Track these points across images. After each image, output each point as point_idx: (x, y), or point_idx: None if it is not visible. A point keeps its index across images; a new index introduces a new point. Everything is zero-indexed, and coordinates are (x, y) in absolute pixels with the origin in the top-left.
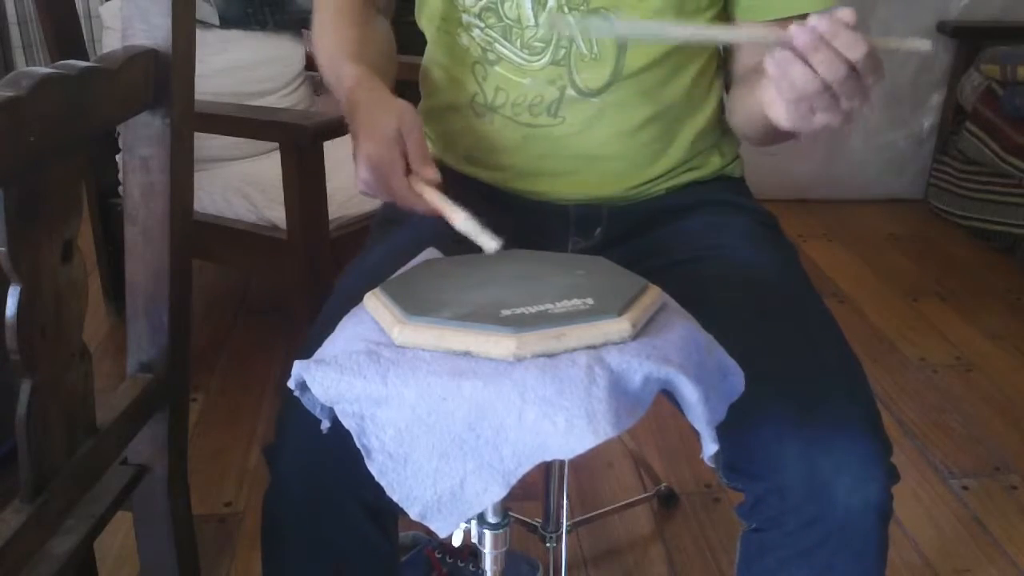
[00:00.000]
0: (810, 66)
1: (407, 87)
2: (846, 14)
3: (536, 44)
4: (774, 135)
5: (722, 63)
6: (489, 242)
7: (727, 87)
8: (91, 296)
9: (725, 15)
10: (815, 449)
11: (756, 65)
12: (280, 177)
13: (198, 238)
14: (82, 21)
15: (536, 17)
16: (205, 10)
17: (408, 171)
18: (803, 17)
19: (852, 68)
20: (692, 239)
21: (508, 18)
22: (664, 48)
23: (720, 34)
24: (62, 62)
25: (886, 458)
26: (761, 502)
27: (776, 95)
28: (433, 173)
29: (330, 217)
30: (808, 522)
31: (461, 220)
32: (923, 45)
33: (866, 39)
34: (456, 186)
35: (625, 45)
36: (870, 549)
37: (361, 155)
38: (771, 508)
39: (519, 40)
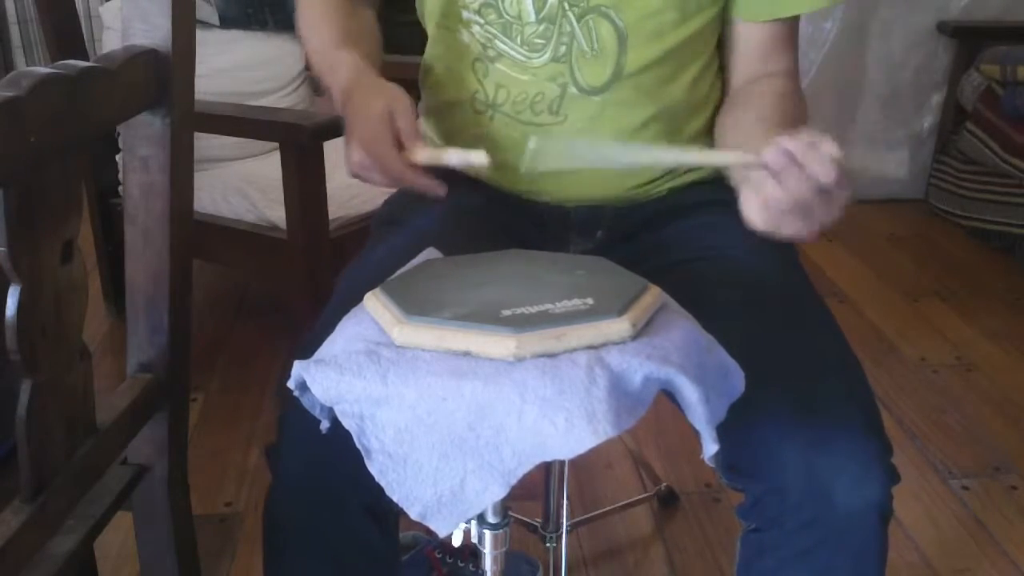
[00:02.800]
0: (782, 185)
1: (407, 86)
2: (816, 139)
3: (537, 41)
4: None
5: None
6: (480, 157)
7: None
8: (91, 296)
9: (724, 14)
10: (815, 449)
11: (748, 80)
12: (280, 177)
13: (198, 238)
14: (82, 21)
15: (537, 13)
16: (205, 10)
17: (401, 149)
18: (792, 22)
19: (822, 188)
20: (693, 239)
21: (508, 14)
22: (665, 47)
23: (697, 158)
24: (62, 62)
25: (886, 459)
26: (761, 502)
27: (752, 200)
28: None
29: (330, 217)
30: (808, 522)
31: (453, 156)
32: (897, 171)
33: (835, 162)
34: (456, 186)
35: (626, 42)
36: (870, 550)
37: (353, 137)
38: (771, 508)
39: (519, 37)
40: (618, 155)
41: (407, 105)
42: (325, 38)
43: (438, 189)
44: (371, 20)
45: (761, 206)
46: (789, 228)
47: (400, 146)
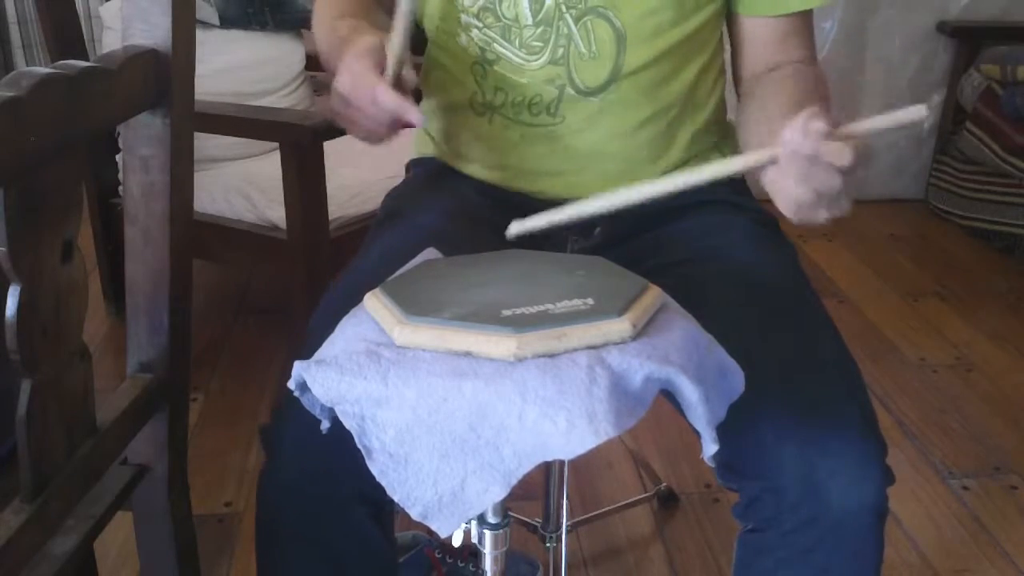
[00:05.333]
0: (804, 181)
1: None
2: (821, 126)
3: (534, 43)
4: None
5: (724, 64)
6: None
7: (736, 90)
8: (91, 296)
9: (726, 10)
10: (811, 449)
11: (763, 71)
12: (280, 177)
13: (198, 238)
14: (82, 21)
15: (534, 16)
16: (205, 10)
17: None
18: (805, 14)
19: (843, 173)
20: (692, 239)
21: (506, 17)
22: (664, 46)
23: (711, 171)
24: (62, 62)
25: (882, 459)
26: (757, 502)
27: (779, 198)
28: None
29: (330, 217)
30: (804, 522)
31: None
32: (918, 113)
33: (852, 141)
34: (456, 185)
35: (624, 43)
36: (866, 549)
37: (340, 69)
38: (767, 508)
39: (517, 39)
40: (633, 195)
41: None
42: (329, 28)
43: (416, 114)
44: (383, 18)
45: (790, 204)
46: (823, 215)
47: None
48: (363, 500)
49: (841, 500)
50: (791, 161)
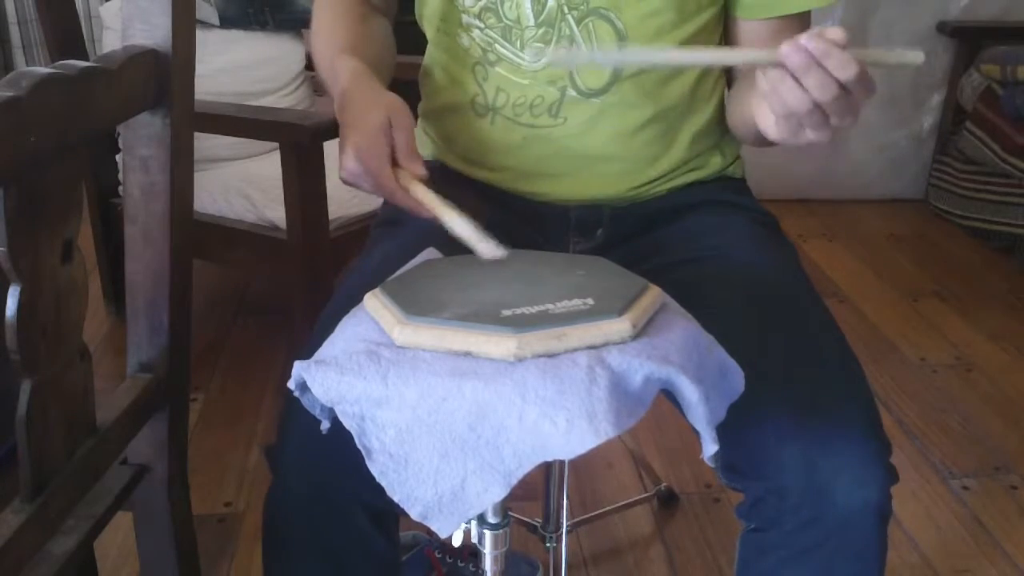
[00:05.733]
0: (801, 85)
1: (407, 86)
2: (837, 34)
3: (536, 44)
4: (765, 140)
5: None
6: (489, 249)
7: (728, 85)
8: (91, 296)
9: (725, 13)
10: (814, 449)
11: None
12: (280, 177)
13: (198, 238)
14: (82, 21)
15: (536, 17)
16: (205, 10)
17: (396, 166)
18: (803, 15)
19: (842, 88)
20: (692, 239)
21: (508, 18)
22: (665, 47)
23: (713, 57)
24: (62, 62)
25: (885, 458)
26: (760, 502)
27: (767, 108)
28: (420, 168)
29: (330, 217)
30: (807, 522)
31: (456, 224)
32: (915, 57)
33: (857, 59)
34: (456, 187)
35: (626, 44)
36: (869, 549)
37: (348, 144)
38: (770, 508)
39: (519, 40)
40: (628, 57)
41: (406, 118)
42: (331, 44)
43: (424, 213)
44: (382, 27)
45: (778, 113)
46: (808, 134)
47: (395, 161)
48: (364, 504)
49: (844, 500)
50: (794, 57)
